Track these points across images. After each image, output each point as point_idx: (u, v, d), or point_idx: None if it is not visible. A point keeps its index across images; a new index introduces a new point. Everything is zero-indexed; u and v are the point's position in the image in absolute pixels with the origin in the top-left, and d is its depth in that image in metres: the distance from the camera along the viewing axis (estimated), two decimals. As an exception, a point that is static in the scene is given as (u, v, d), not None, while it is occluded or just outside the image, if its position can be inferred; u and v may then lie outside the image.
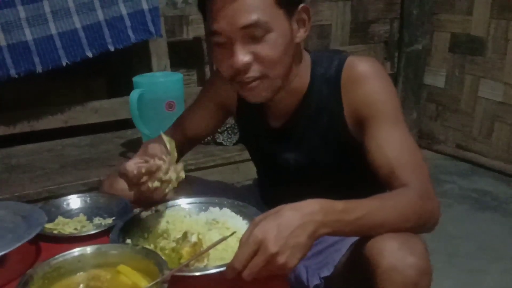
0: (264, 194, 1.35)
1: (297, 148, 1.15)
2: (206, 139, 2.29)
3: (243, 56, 0.96)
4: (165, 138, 1.05)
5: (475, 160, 2.81)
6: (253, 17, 0.93)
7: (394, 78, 3.07)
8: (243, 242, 0.81)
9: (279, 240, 0.79)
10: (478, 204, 2.37)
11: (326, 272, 1.07)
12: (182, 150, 1.29)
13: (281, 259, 0.79)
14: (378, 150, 1.00)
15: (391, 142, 0.99)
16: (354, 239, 1.04)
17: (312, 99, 1.10)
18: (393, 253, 0.82)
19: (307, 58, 1.11)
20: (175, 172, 1.02)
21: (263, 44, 0.96)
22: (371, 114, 1.02)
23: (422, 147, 3.00)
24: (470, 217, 2.25)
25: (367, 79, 1.03)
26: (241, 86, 1.02)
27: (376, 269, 0.82)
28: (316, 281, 1.08)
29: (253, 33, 0.95)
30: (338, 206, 0.85)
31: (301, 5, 1.01)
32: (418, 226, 0.90)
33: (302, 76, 1.09)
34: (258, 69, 0.98)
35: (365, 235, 0.89)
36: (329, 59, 1.09)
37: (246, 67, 0.97)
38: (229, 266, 0.82)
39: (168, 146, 1.03)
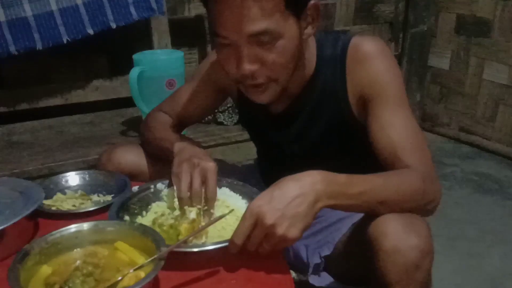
0: (264, 174, 1.34)
1: (300, 131, 1.14)
2: (206, 118, 2.28)
3: (250, 65, 0.92)
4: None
5: (478, 143, 2.79)
6: (262, 25, 0.87)
7: (399, 59, 3.03)
8: (242, 217, 0.81)
9: (275, 211, 0.78)
10: (480, 187, 2.36)
11: (326, 251, 1.07)
12: (177, 130, 1.27)
13: (279, 230, 0.78)
14: (381, 132, 0.98)
15: (394, 124, 0.98)
16: (355, 219, 1.03)
17: (318, 82, 1.08)
18: (396, 235, 0.81)
19: (312, 42, 1.07)
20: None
21: (271, 51, 0.92)
22: (375, 94, 1.00)
23: (425, 129, 2.98)
24: (472, 201, 2.24)
25: (372, 59, 1.01)
26: (246, 88, 1.00)
27: (378, 250, 0.81)
28: (316, 260, 1.08)
29: (261, 40, 0.90)
30: (340, 178, 0.84)
31: (310, 3, 0.95)
32: (419, 207, 0.89)
33: (309, 60, 1.06)
34: (265, 74, 0.95)
35: (365, 211, 0.88)
36: (334, 40, 1.06)
37: (253, 74, 0.94)
38: (230, 241, 0.82)
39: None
